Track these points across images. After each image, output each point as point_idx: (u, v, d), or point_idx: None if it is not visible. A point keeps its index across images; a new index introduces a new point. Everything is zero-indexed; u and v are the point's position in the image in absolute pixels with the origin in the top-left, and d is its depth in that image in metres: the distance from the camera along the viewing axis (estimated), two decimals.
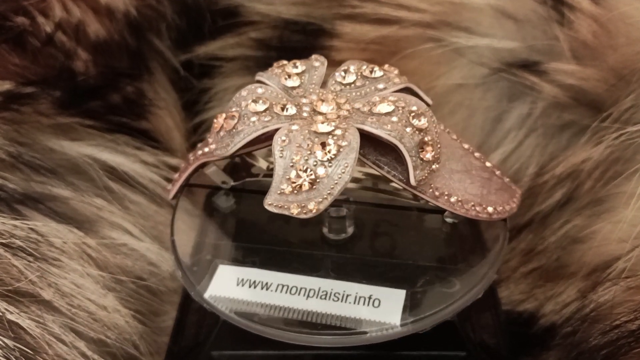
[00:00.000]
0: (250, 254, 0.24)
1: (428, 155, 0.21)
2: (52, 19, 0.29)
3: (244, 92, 0.22)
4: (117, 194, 0.29)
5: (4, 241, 0.23)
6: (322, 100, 0.22)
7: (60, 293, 0.24)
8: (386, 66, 0.24)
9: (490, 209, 0.23)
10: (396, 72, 0.24)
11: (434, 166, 0.22)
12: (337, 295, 0.23)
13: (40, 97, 0.28)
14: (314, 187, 0.20)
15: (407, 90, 0.23)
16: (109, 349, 0.25)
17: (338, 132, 0.21)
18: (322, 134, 0.21)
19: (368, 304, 0.22)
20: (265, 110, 0.22)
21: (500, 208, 0.23)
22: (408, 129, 0.21)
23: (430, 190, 0.22)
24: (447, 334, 0.23)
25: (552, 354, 0.26)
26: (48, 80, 0.28)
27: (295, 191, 0.20)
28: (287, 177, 0.20)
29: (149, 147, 0.31)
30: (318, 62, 0.24)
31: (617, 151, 0.27)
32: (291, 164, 0.20)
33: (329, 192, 0.20)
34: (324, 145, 0.20)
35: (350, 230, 0.24)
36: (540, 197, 0.29)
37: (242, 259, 0.24)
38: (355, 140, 0.21)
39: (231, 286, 0.23)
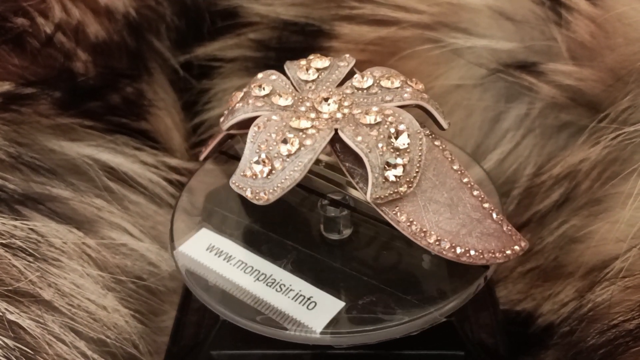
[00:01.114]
0: (234, 228, 0.25)
1: (392, 176, 0.21)
2: (51, 19, 0.29)
3: (259, 75, 0.23)
4: (116, 195, 0.29)
5: (4, 241, 0.23)
6: (325, 99, 0.22)
7: (60, 293, 0.24)
8: (413, 80, 0.23)
9: (459, 250, 0.21)
10: (420, 87, 0.23)
11: (401, 189, 0.21)
12: (282, 286, 0.23)
13: (40, 97, 0.28)
14: (269, 177, 0.21)
15: (422, 108, 0.23)
16: (109, 348, 0.25)
17: (311, 131, 0.21)
18: (295, 129, 0.21)
19: (303, 304, 0.22)
20: (264, 96, 0.23)
21: (475, 253, 0.21)
22: (380, 144, 0.21)
23: (394, 212, 0.21)
24: (445, 333, 0.23)
25: (550, 353, 0.27)
26: (48, 81, 0.28)
27: (254, 177, 0.21)
28: (251, 162, 0.21)
29: (149, 148, 0.31)
30: (344, 62, 0.24)
31: (615, 151, 0.27)
32: (257, 151, 0.21)
33: (279, 185, 0.21)
34: (285, 141, 0.21)
35: (346, 232, 0.24)
36: (538, 197, 0.29)
37: (225, 229, 0.25)
38: (320, 143, 0.21)
39: (201, 249, 0.24)
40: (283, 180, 0.21)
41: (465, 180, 0.22)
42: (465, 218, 0.22)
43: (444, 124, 0.23)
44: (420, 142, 0.21)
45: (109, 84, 0.30)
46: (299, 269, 0.23)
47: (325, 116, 0.22)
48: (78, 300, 0.24)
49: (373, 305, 0.22)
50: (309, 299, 0.22)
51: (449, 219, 0.22)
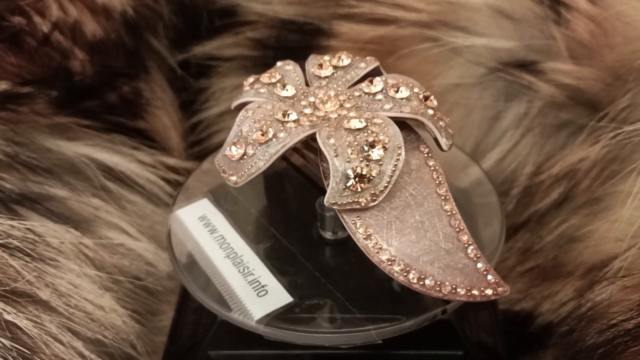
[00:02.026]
0: (232, 204, 0.26)
1: (356, 185, 0.20)
2: (48, 18, 0.29)
3: (278, 63, 0.24)
4: (114, 194, 0.29)
5: (1, 241, 0.23)
6: (327, 98, 0.22)
7: (57, 293, 0.24)
8: (430, 98, 0.22)
9: (412, 275, 0.20)
10: (432, 103, 0.22)
11: (362, 200, 0.20)
12: (245, 268, 0.23)
13: (37, 96, 0.28)
14: (240, 161, 0.21)
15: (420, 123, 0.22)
16: (107, 348, 0.25)
17: (291, 125, 0.21)
18: (277, 120, 0.21)
19: (256, 290, 0.22)
20: (269, 84, 0.23)
21: (432, 283, 0.20)
22: (350, 151, 0.20)
23: (352, 221, 0.21)
24: (444, 333, 0.23)
25: (549, 352, 0.27)
26: (45, 80, 0.28)
27: (231, 159, 0.21)
28: (231, 143, 0.22)
29: (146, 147, 0.31)
30: (364, 63, 0.23)
31: (614, 150, 0.27)
32: (239, 134, 0.22)
33: (246, 170, 0.21)
34: (262, 130, 0.21)
35: (341, 234, 0.24)
36: (537, 196, 0.29)
37: (223, 205, 0.26)
38: (292, 138, 0.21)
39: (194, 217, 0.25)
40: (250, 167, 0.21)
41: (447, 207, 0.21)
42: (431, 245, 0.21)
43: (444, 145, 0.22)
44: (397, 158, 0.21)
45: (106, 82, 0.30)
46: (269, 257, 0.23)
47: (321, 114, 0.22)
48: (75, 300, 0.24)
49: (318, 308, 0.22)
50: (263, 286, 0.23)
51: (412, 242, 0.21)
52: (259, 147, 0.21)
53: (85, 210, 0.27)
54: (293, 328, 0.21)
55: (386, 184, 0.21)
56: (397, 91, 0.22)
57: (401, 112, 0.21)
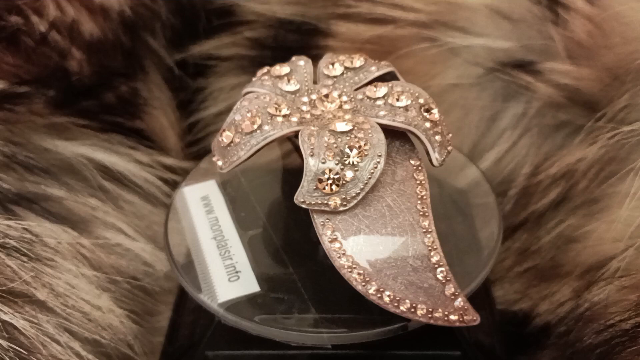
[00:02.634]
0: (235, 190, 0.26)
1: (327, 187, 0.20)
2: (46, 18, 0.29)
3: (293, 57, 0.24)
4: (111, 194, 0.29)
5: None
6: (327, 97, 0.22)
7: (54, 293, 0.24)
8: (431, 111, 0.22)
9: (371, 286, 0.20)
10: (429, 115, 0.21)
11: (331, 202, 0.20)
12: (226, 252, 0.24)
13: (34, 96, 0.28)
14: (228, 148, 0.21)
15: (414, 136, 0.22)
16: (104, 349, 0.25)
17: (279, 119, 0.21)
18: (267, 113, 0.21)
19: (229, 274, 0.23)
20: (276, 76, 0.23)
21: (390, 297, 0.20)
22: (328, 153, 0.20)
23: (321, 221, 0.20)
24: (442, 333, 0.23)
25: (546, 353, 0.27)
26: (42, 79, 0.28)
27: (221, 145, 0.22)
28: (223, 129, 0.22)
29: (144, 147, 0.31)
30: (376, 67, 0.23)
31: (612, 151, 0.27)
32: (230, 122, 0.22)
33: (229, 158, 0.21)
34: (250, 120, 0.21)
35: None
36: (535, 197, 0.29)
37: (227, 188, 0.26)
38: (275, 132, 0.21)
39: (198, 196, 0.26)
40: (232, 155, 0.21)
41: (424, 224, 0.21)
42: (398, 260, 0.20)
43: (434, 160, 0.21)
44: (375, 167, 0.20)
45: (103, 82, 0.30)
46: (251, 245, 0.24)
47: (317, 112, 0.22)
48: (72, 301, 0.24)
49: (278, 303, 0.22)
50: (237, 272, 0.23)
51: (378, 252, 0.20)
52: (244, 137, 0.21)
53: (82, 210, 0.27)
54: (250, 318, 0.21)
55: (359, 191, 0.20)
56: (397, 99, 0.22)
57: (394, 120, 0.21)
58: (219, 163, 0.22)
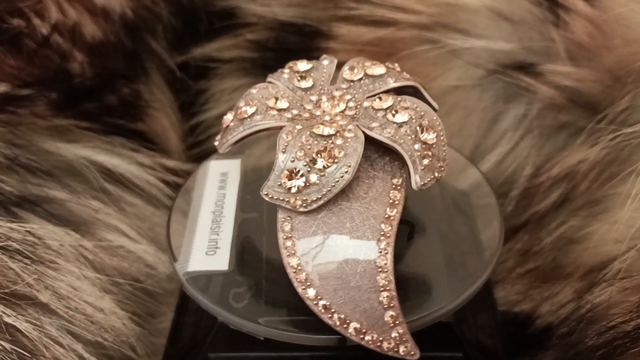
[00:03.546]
0: (254, 173, 0.27)
1: (292, 185, 0.20)
2: (48, 20, 0.29)
3: (324, 56, 0.24)
4: (113, 196, 0.29)
5: (0, 244, 0.23)
6: (331, 99, 0.22)
7: (57, 295, 0.24)
8: (424, 129, 0.21)
9: (310, 291, 0.20)
10: (423, 137, 0.21)
11: (292, 201, 0.20)
12: (218, 226, 0.24)
13: (36, 99, 0.28)
14: (225, 130, 0.22)
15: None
16: (106, 351, 0.25)
17: (272, 112, 0.22)
18: (265, 104, 0.22)
19: (209, 248, 0.23)
20: (296, 72, 0.23)
21: (324, 307, 0.19)
22: (299, 153, 0.20)
23: (283, 217, 0.21)
24: (443, 334, 0.23)
25: (548, 354, 0.27)
26: (44, 82, 0.28)
27: (223, 124, 0.22)
28: (230, 111, 0.23)
29: (145, 149, 0.31)
30: (394, 78, 0.23)
31: (613, 152, 0.27)
32: (235, 106, 0.23)
33: (223, 140, 0.22)
34: (248, 106, 0.22)
35: None
36: (537, 198, 0.29)
37: (246, 169, 0.27)
38: (262, 123, 0.22)
39: (218, 172, 0.27)
40: (225, 137, 0.22)
41: (382, 245, 0.20)
42: (344, 274, 0.20)
43: (413, 183, 0.20)
44: (341, 176, 0.20)
45: (105, 84, 0.30)
46: (242, 227, 0.24)
47: (317, 113, 0.22)
48: (75, 303, 0.24)
49: (239, 285, 0.22)
50: (216, 248, 0.23)
51: (327, 261, 0.20)
52: (237, 122, 0.22)
53: (84, 213, 0.27)
54: (204, 295, 0.22)
55: (320, 196, 0.20)
56: (396, 113, 0.21)
57: (380, 134, 0.21)
58: (216, 143, 0.23)
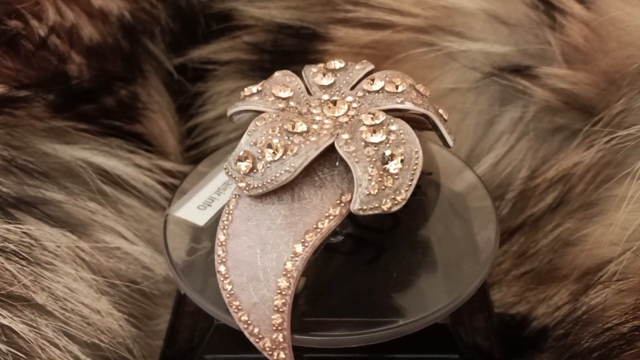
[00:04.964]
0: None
1: (237, 164, 0.21)
2: (45, 22, 0.29)
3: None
4: (110, 198, 0.29)
5: None
6: (339, 102, 0.22)
7: (53, 297, 0.24)
8: (399, 156, 0.20)
9: (223, 268, 0.20)
10: (393, 165, 0.20)
11: (240, 181, 0.21)
12: (222, 188, 0.26)
13: (33, 100, 0.28)
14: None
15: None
16: (103, 352, 0.25)
17: (271, 98, 0.22)
18: (277, 97, 0.22)
19: (205, 203, 0.25)
20: (327, 69, 0.23)
21: (228, 288, 0.20)
22: (262, 139, 0.21)
23: (235, 193, 0.21)
24: (439, 336, 0.23)
25: (544, 356, 0.27)
26: (42, 83, 0.28)
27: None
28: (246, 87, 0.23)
29: (143, 151, 0.31)
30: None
31: (609, 155, 0.27)
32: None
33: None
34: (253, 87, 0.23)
35: (339, 237, 0.24)
36: (532, 201, 0.29)
37: None
38: (249, 105, 0.23)
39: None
40: (233, 106, 0.23)
41: (298, 250, 0.20)
42: (254, 264, 0.20)
43: (352, 206, 0.20)
44: (280, 174, 0.20)
45: (103, 86, 0.30)
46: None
47: (314, 111, 0.22)
48: (72, 304, 0.24)
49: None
50: (209, 205, 0.24)
51: (247, 245, 0.20)
52: (243, 97, 0.23)
53: (81, 214, 0.27)
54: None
55: (260, 185, 0.20)
56: (374, 133, 0.21)
57: (341, 147, 0.20)
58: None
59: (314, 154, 0.20)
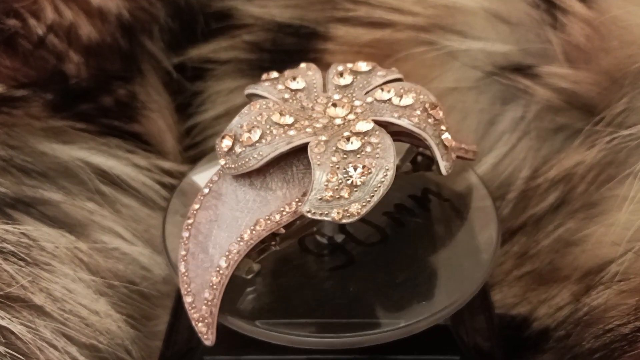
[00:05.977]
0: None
1: (219, 146, 0.21)
2: (43, 21, 0.29)
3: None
4: (108, 198, 0.29)
5: None
6: (337, 102, 0.22)
7: (51, 298, 0.24)
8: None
9: (185, 233, 0.21)
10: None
11: (220, 160, 0.22)
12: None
13: (31, 100, 0.28)
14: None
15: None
16: (101, 354, 0.25)
17: (269, 104, 0.22)
18: (290, 90, 0.22)
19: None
20: (352, 67, 0.23)
21: (184, 265, 0.21)
22: (245, 128, 0.21)
23: (218, 170, 0.22)
24: (441, 337, 0.23)
25: (545, 357, 0.26)
26: (40, 83, 0.28)
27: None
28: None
29: (141, 150, 0.31)
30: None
31: (610, 154, 0.27)
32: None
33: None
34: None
35: (338, 238, 0.24)
36: (534, 200, 0.29)
37: None
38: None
39: None
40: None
41: (245, 237, 0.21)
42: (209, 237, 0.21)
43: (301, 209, 0.20)
44: (246, 161, 0.21)
45: (101, 86, 0.30)
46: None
47: (315, 115, 0.22)
48: (70, 305, 0.24)
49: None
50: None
51: (208, 219, 0.21)
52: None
53: (80, 214, 0.27)
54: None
55: (233, 170, 0.21)
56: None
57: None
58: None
59: (284, 147, 0.21)
